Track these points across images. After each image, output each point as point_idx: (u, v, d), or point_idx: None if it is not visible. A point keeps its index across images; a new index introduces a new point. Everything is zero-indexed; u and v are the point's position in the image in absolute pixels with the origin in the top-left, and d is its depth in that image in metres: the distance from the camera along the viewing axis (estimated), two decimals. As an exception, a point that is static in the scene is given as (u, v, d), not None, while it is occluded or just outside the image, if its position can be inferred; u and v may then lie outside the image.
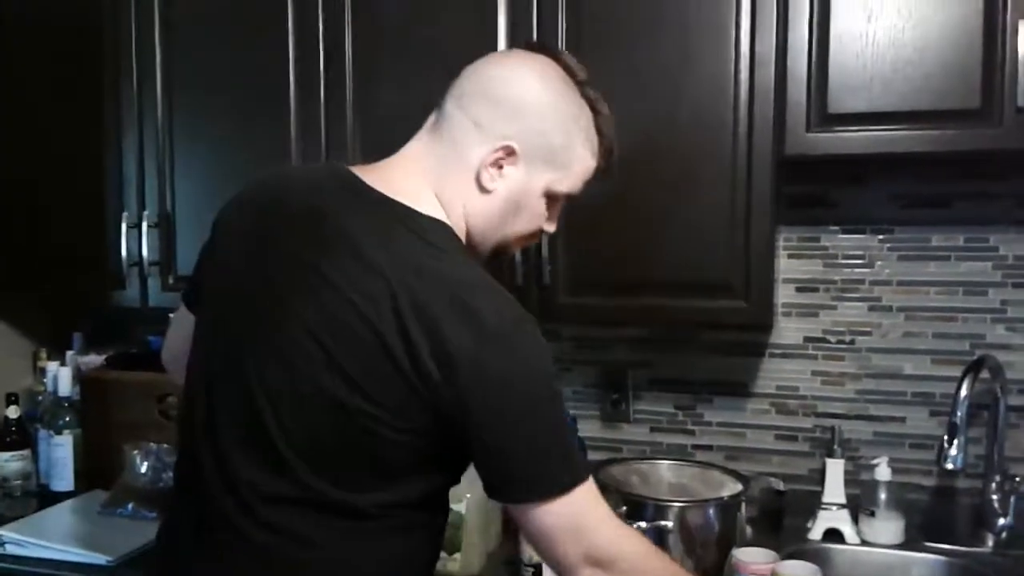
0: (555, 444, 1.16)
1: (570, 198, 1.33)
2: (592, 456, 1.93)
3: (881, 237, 1.99)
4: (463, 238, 1.26)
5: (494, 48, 1.80)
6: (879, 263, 2.00)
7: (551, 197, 1.30)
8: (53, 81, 2.17)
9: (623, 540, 1.22)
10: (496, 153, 1.23)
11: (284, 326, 1.17)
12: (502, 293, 1.18)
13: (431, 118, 1.29)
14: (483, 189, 1.25)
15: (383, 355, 1.11)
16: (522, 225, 1.30)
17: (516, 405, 1.13)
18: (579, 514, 1.17)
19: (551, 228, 1.35)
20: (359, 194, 1.22)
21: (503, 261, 1.36)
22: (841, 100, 1.69)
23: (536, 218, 1.31)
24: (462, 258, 1.20)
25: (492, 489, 1.19)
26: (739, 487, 1.70)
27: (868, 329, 2.02)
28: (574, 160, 1.28)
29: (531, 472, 1.15)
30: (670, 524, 1.60)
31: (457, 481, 1.27)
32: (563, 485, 1.15)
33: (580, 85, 1.28)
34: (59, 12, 2.15)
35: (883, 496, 1.86)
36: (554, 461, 1.16)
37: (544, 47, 1.32)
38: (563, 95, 1.26)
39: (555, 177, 1.27)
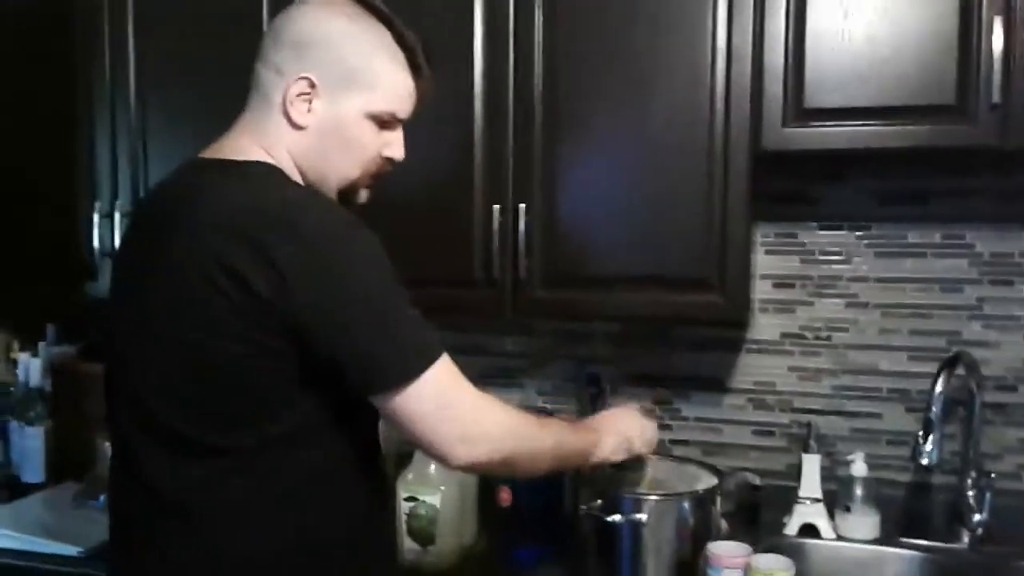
0: (398, 333, 1.20)
1: (401, 119, 1.35)
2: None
3: (859, 234, 2.00)
4: (299, 180, 1.30)
5: (471, 37, 1.81)
6: (856, 259, 2.00)
7: (378, 121, 1.32)
8: (23, 70, 2.15)
9: (488, 411, 1.27)
10: (294, 87, 1.27)
11: (139, 305, 1.25)
12: (327, 206, 1.25)
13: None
14: (296, 126, 1.29)
15: (214, 293, 1.16)
16: (354, 155, 1.32)
17: (349, 305, 1.18)
18: (440, 394, 1.22)
19: (395, 153, 1.36)
20: (195, 167, 1.31)
21: (355, 201, 1.37)
22: (817, 95, 1.69)
23: (367, 146, 1.32)
24: (284, 184, 1.26)
25: (357, 388, 1.21)
26: (714, 481, 1.70)
27: (845, 325, 2.02)
28: (380, 78, 1.30)
29: (380, 364, 1.19)
30: (645, 518, 1.60)
31: (341, 418, 1.27)
32: (415, 368, 1.19)
33: (373, 9, 1.31)
34: (31, 6, 2.14)
35: (859, 492, 1.86)
36: (401, 348, 1.20)
37: None
38: (354, 21, 1.29)
39: (366, 98, 1.30)
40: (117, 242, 2.04)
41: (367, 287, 1.19)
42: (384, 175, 1.39)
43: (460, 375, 1.25)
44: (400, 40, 1.31)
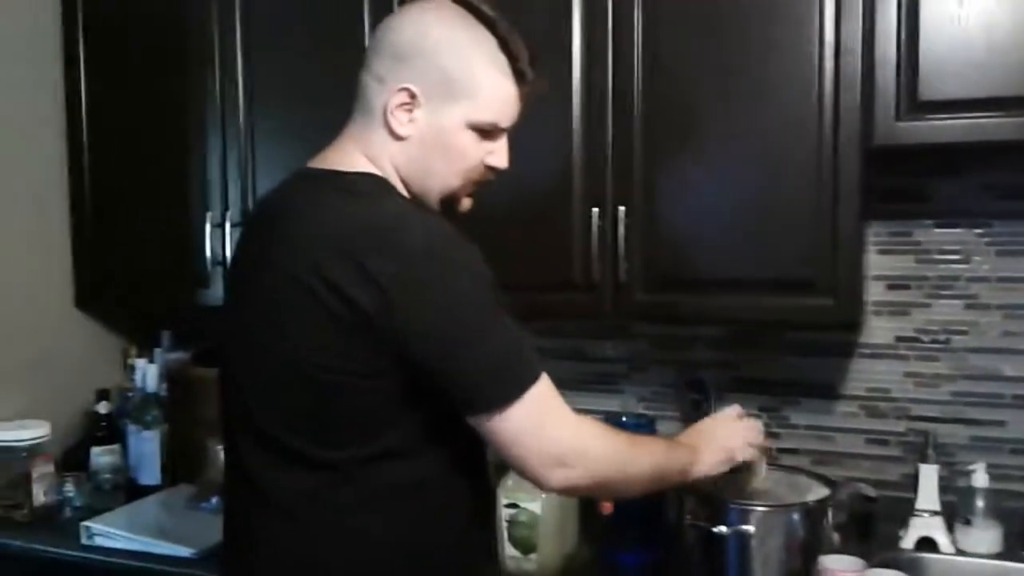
0: (496, 354, 1.19)
1: (504, 128, 1.31)
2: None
3: (978, 231, 1.90)
4: (402, 190, 1.30)
5: (570, 38, 1.80)
6: (976, 258, 1.91)
7: (479, 130, 1.29)
8: (137, 86, 2.24)
9: (585, 434, 1.25)
10: (395, 98, 1.25)
11: (247, 316, 1.27)
12: (430, 222, 1.22)
13: None
14: (397, 137, 1.27)
15: (318, 309, 1.17)
16: (456, 164, 1.30)
17: (450, 324, 1.17)
18: (537, 417, 1.20)
19: (498, 162, 1.33)
20: (302, 177, 1.32)
21: (457, 210, 1.34)
22: (932, 87, 1.62)
23: (468, 154, 1.30)
24: (387, 198, 1.25)
25: (454, 409, 1.21)
26: (826, 492, 1.64)
27: (964, 328, 1.92)
28: (481, 87, 1.26)
29: (480, 385, 1.18)
30: (752, 529, 1.55)
31: (442, 430, 1.25)
32: (515, 390, 1.18)
33: (476, 13, 1.27)
34: (143, 16, 2.22)
35: (980, 504, 1.78)
36: (501, 369, 1.19)
37: None
38: (455, 28, 1.26)
39: (467, 108, 1.27)
40: (227, 251, 2.11)
41: (467, 307, 1.18)
42: (486, 182, 1.36)
43: (558, 396, 1.23)
44: (504, 46, 1.27)
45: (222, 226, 2.13)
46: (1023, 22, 1.56)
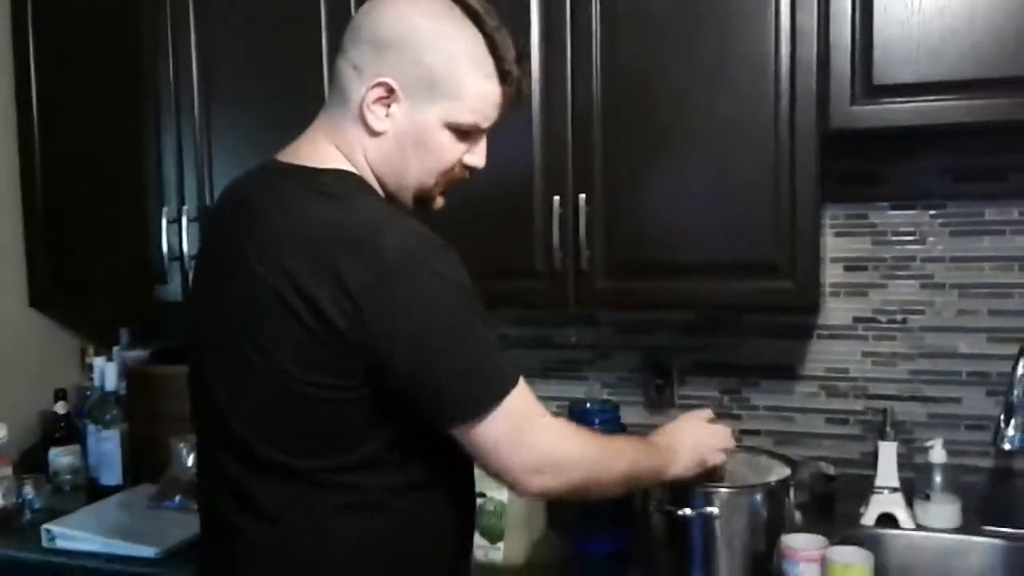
0: (471, 364, 1.16)
1: (484, 129, 1.27)
2: (637, 443, 1.91)
3: (932, 212, 1.93)
4: (376, 187, 1.26)
5: (528, 27, 1.79)
6: (931, 239, 1.94)
7: (458, 130, 1.24)
8: (89, 80, 2.19)
9: (562, 441, 1.24)
10: (372, 92, 1.20)
11: (218, 314, 1.23)
12: (404, 226, 1.17)
13: None
14: (372, 131, 1.22)
15: (290, 317, 1.13)
16: (432, 163, 1.25)
17: (422, 335, 1.14)
18: (513, 425, 1.18)
19: (475, 161, 1.29)
20: (270, 172, 1.26)
21: (431, 207, 1.31)
22: (887, 71, 1.64)
23: (445, 154, 1.25)
24: (364, 200, 1.21)
25: (427, 418, 1.18)
26: (787, 472, 1.66)
27: (920, 307, 1.96)
28: (464, 88, 1.21)
29: (455, 394, 1.16)
30: (716, 511, 1.56)
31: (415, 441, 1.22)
32: (491, 399, 1.16)
33: (464, 6, 1.21)
34: (96, 12, 2.17)
35: (938, 479, 1.81)
36: (473, 381, 1.16)
37: None
38: (441, 20, 1.20)
39: (448, 108, 1.21)
40: (185, 246, 2.08)
41: (441, 317, 1.15)
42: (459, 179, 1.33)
43: (534, 403, 1.22)
44: (490, 44, 1.21)
45: (178, 221, 2.10)
46: (975, 6, 1.58)
